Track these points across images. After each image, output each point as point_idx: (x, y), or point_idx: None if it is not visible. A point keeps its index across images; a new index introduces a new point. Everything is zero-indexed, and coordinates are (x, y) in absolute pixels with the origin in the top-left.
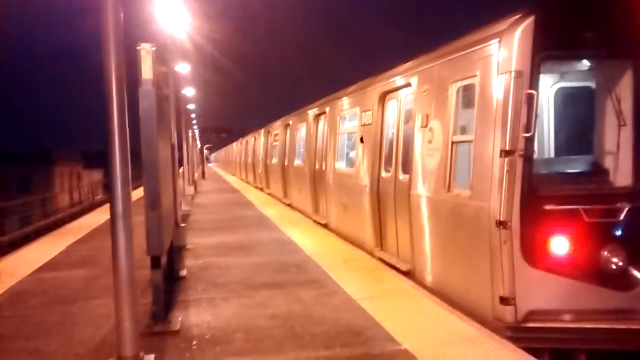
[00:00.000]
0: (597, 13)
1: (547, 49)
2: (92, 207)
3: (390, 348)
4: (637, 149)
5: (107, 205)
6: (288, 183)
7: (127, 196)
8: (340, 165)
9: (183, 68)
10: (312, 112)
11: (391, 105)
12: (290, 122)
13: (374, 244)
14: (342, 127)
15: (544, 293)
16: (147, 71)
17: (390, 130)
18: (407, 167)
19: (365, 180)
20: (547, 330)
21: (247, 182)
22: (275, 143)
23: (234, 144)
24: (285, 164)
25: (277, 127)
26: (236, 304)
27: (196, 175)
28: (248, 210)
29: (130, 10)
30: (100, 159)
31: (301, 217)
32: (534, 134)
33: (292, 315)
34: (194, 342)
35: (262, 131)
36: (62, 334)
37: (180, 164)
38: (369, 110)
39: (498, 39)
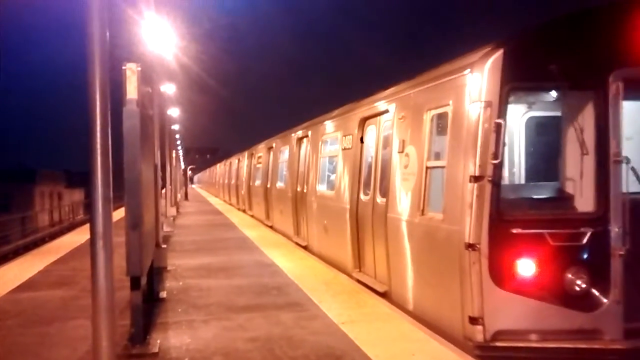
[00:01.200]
0: (561, 47)
1: (515, 81)
2: (73, 226)
3: None
4: (599, 176)
5: (88, 225)
6: (270, 205)
7: (108, 215)
8: (321, 188)
9: (169, 89)
10: (294, 136)
11: (370, 131)
12: (273, 145)
13: (352, 265)
14: (324, 151)
15: (512, 313)
16: (132, 91)
17: (369, 155)
18: (384, 190)
19: (345, 203)
20: (514, 350)
21: (231, 204)
22: (258, 165)
23: (218, 165)
24: (268, 186)
25: (260, 149)
26: (216, 327)
27: (179, 196)
28: (230, 232)
29: (117, 30)
30: (82, 179)
31: (283, 239)
32: (502, 161)
33: (271, 338)
34: None
35: (245, 153)
36: (38, 355)
37: (164, 185)
38: (350, 134)
39: (469, 70)
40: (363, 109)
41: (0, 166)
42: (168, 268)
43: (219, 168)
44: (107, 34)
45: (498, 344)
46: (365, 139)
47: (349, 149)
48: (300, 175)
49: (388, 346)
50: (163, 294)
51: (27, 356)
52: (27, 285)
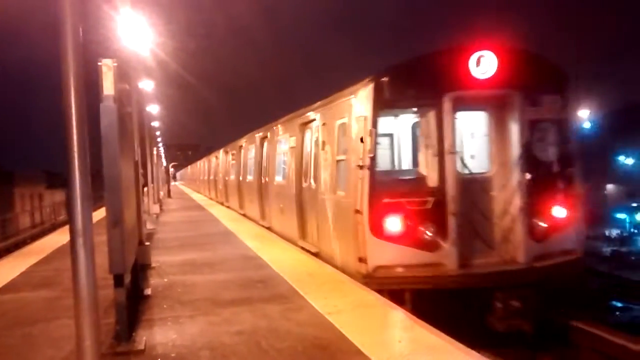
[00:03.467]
0: (413, 79)
1: (382, 103)
2: (55, 227)
3: None
4: (440, 163)
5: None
6: (242, 196)
7: (87, 213)
8: (278, 178)
9: (147, 85)
10: (258, 136)
11: (307, 134)
12: (243, 144)
13: (298, 236)
14: (279, 149)
15: (384, 254)
16: (108, 87)
17: (306, 152)
18: (316, 178)
19: (292, 189)
20: (386, 277)
21: (211, 199)
22: (232, 162)
23: (198, 162)
24: (240, 179)
25: (233, 147)
26: (202, 322)
27: (162, 193)
28: (213, 226)
29: (92, 26)
30: (63, 179)
31: (265, 231)
32: (375, 155)
33: (258, 331)
34: None
35: (221, 151)
36: (23, 356)
37: (145, 183)
38: (294, 136)
39: (354, 96)
40: (302, 117)
41: None
42: (152, 265)
43: (199, 165)
44: (81, 29)
45: (376, 274)
46: (304, 140)
47: (294, 147)
48: (263, 169)
49: (374, 334)
50: (148, 291)
51: (12, 357)
52: (9, 287)
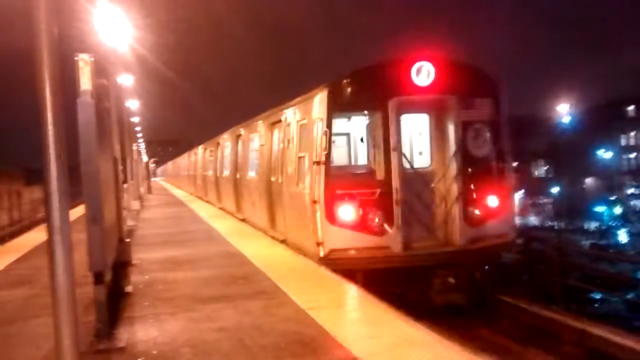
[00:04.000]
0: (362, 86)
1: (335, 107)
2: (33, 224)
3: (340, 355)
4: (386, 159)
5: None
6: (219, 191)
7: (64, 209)
8: (251, 174)
9: (126, 80)
10: (233, 134)
11: (275, 133)
12: (220, 141)
13: (268, 226)
14: (251, 146)
15: (338, 239)
16: (85, 82)
17: (274, 149)
18: (282, 173)
19: (263, 184)
20: (341, 259)
21: (191, 194)
22: (210, 158)
23: (177, 159)
24: (217, 175)
25: (210, 144)
26: (183, 319)
27: (142, 190)
28: (194, 223)
29: (68, 20)
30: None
31: (248, 228)
32: (329, 152)
33: (241, 328)
34: (140, 359)
35: (200, 148)
36: (1, 355)
37: (125, 179)
38: (264, 135)
39: (312, 100)
40: (270, 117)
41: None
42: (133, 262)
43: (180, 161)
44: (56, 23)
45: (331, 256)
46: (272, 139)
47: (263, 145)
48: (238, 165)
49: (355, 329)
50: (129, 288)
51: None
52: None
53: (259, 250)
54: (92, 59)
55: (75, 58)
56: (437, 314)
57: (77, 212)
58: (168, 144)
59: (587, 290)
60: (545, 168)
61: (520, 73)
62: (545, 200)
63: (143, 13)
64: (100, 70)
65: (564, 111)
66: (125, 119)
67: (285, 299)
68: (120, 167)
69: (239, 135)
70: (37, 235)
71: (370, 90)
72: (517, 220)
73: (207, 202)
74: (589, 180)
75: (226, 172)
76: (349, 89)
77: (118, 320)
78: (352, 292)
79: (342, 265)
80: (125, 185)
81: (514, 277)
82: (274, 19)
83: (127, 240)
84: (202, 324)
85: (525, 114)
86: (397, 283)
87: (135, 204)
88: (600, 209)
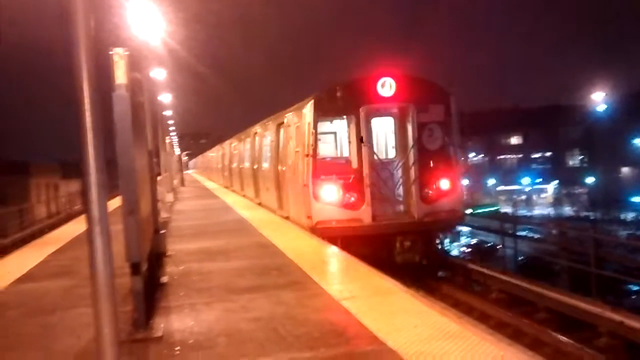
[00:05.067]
0: (340, 97)
1: (320, 113)
2: (70, 217)
3: (374, 347)
4: (358, 153)
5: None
6: (242, 181)
7: (103, 200)
8: (265, 165)
9: (159, 74)
10: (252, 131)
11: (282, 131)
12: (242, 137)
13: (277, 208)
14: (265, 142)
15: (323, 213)
16: (120, 76)
17: (281, 145)
18: (285, 164)
19: (273, 173)
20: (325, 229)
21: (220, 185)
22: (235, 152)
23: (207, 152)
24: (240, 167)
25: (235, 139)
26: (218, 309)
27: (175, 182)
28: (226, 214)
29: (103, 15)
30: (78, 169)
31: (278, 218)
32: (316, 147)
33: (274, 318)
34: (177, 348)
35: (226, 142)
36: (42, 345)
37: (159, 172)
38: (273, 133)
39: (303, 107)
40: (278, 119)
41: None
42: (168, 253)
43: (209, 154)
44: (93, 18)
45: (318, 227)
46: (280, 136)
47: (273, 141)
48: (256, 158)
49: (389, 320)
50: (164, 279)
51: (31, 346)
52: (28, 277)
53: (290, 242)
54: (127, 53)
55: (110, 52)
56: (399, 272)
57: (114, 204)
58: (199, 137)
59: (624, 281)
60: (580, 158)
61: (562, 62)
62: (580, 190)
63: (175, 7)
64: (134, 64)
65: (599, 99)
66: (159, 113)
67: (318, 289)
68: (155, 160)
69: (255, 133)
70: (74, 227)
71: (345, 100)
72: (552, 211)
73: (233, 191)
74: (625, 170)
75: (247, 164)
76: (328, 99)
77: (154, 310)
78: (385, 283)
79: (326, 234)
80: (159, 178)
81: (546, 268)
82: (302, 14)
83: (162, 231)
84: (237, 314)
85: (563, 104)
86: (368, 246)
87: (169, 196)
88: (637, 199)
